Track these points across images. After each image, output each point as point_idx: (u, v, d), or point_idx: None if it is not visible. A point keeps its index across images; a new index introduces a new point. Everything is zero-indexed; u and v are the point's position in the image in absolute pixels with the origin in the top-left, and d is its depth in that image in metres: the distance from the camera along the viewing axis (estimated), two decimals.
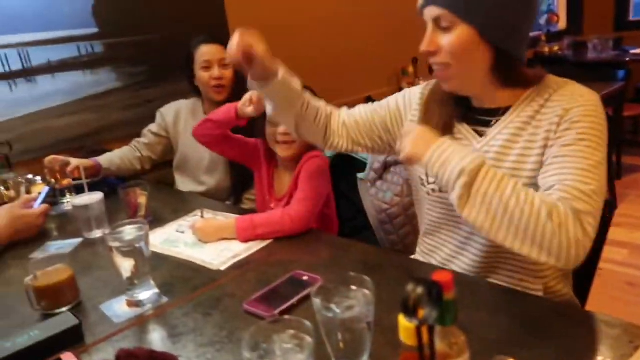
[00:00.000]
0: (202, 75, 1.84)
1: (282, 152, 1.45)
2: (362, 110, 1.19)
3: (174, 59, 2.21)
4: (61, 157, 1.64)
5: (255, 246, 1.22)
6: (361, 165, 1.65)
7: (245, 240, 1.24)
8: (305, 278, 1.00)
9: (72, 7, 1.93)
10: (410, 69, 3.40)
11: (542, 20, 5.25)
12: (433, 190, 1.05)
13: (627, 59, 3.82)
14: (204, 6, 2.31)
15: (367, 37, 3.16)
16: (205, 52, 1.84)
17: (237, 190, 1.89)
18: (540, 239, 0.80)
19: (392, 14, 3.29)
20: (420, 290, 0.53)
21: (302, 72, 2.81)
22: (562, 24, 5.45)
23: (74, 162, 1.65)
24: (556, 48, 4.53)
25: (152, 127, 1.97)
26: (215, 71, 1.83)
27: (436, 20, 0.92)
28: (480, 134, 1.00)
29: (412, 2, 3.27)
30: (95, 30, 2.00)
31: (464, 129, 1.02)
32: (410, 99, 1.15)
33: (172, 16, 2.21)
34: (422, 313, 0.55)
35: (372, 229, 1.59)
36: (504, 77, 0.93)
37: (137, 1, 2.10)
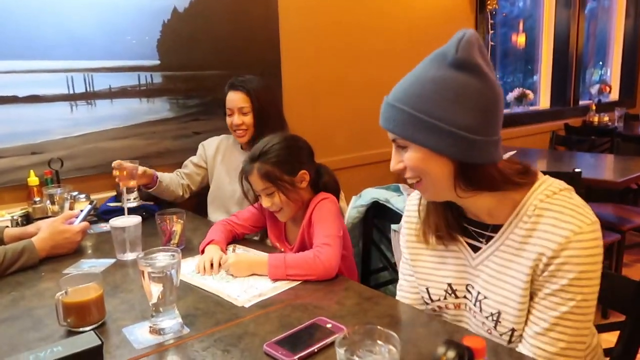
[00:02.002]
0: (226, 119, 1.97)
1: (282, 218, 1.51)
2: None
3: (225, 96, 2.31)
4: (129, 162, 1.72)
5: (282, 287, 1.21)
6: (396, 216, 1.63)
7: (276, 279, 1.24)
8: (329, 326, 0.98)
9: (139, 39, 2.06)
10: None
11: (594, 90, 5.18)
12: (439, 307, 1.06)
13: None
14: (260, 47, 2.41)
15: None
16: (229, 99, 1.97)
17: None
18: None
19: None
20: (451, 354, 0.51)
21: (349, 122, 2.89)
22: (614, 95, 5.36)
23: (141, 168, 1.77)
24: (606, 119, 4.44)
25: (194, 158, 2.08)
26: (235, 119, 1.94)
27: (394, 141, 0.93)
28: (475, 250, 0.98)
29: None
30: (157, 62, 2.11)
31: (460, 243, 1.00)
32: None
33: (230, 54, 2.32)
34: None
35: None
36: (471, 184, 0.89)
37: (197, 38, 2.21)
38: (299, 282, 1.23)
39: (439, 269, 1.04)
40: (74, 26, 1.91)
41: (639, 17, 5.24)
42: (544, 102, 4.61)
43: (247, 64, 2.36)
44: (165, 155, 2.17)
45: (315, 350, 0.90)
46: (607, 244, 2.56)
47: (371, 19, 2.90)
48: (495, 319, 0.93)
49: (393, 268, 1.65)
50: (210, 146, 2.08)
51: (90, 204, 1.63)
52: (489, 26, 3.66)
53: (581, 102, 4.85)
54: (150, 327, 1.00)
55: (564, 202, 0.88)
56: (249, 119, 1.93)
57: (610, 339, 1.08)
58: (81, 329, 0.99)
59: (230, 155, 2.05)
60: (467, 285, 0.99)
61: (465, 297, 1.00)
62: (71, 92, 1.93)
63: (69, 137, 1.94)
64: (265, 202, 1.44)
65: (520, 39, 4.62)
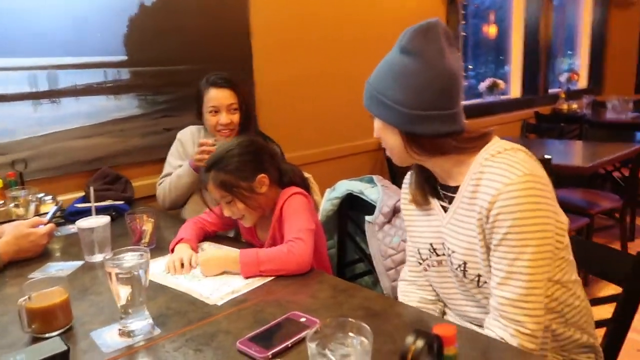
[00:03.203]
0: (208, 118, 1.87)
1: (246, 223, 1.47)
2: None
3: (195, 92, 2.27)
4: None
5: (255, 283, 1.19)
6: (370, 208, 1.63)
7: (248, 276, 1.22)
8: (302, 320, 0.97)
9: (104, 34, 2.00)
10: None
11: (563, 78, 5.29)
12: (428, 265, 1.14)
13: None
14: (231, 42, 2.37)
15: None
16: (214, 96, 1.86)
17: None
18: None
19: None
20: (420, 343, 0.51)
21: (323, 115, 2.90)
22: (582, 83, 5.48)
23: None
24: (575, 106, 4.54)
25: (173, 160, 1.97)
26: (223, 118, 1.86)
27: (369, 115, 1.08)
28: (445, 210, 1.08)
29: None
30: (124, 57, 2.06)
31: (435, 204, 1.11)
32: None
33: (199, 49, 2.27)
34: None
35: (376, 274, 1.56)
36: (420, 150, 1.02)
37: (166, 33, 2.16)
38: (272, 277, 1.22)
39: (424, 231, 1.14)
40: (37, 22, 1.84)
41: (605, 7, 5.36)
42: (515, 91, 4.69)
43: (217, 58, 2.32)
44: (134, 154, 2.12)
45: (290, 345, 0.89)
46: (576, 227, 2.62)
47: (342, 12, 2.88)
48: (462, 269, 1.03)
49: (368, 259, 1.65)
50: (187, 142, 1.98)
51: (56, 205, 1.58)
52: (460, 17, 3.69)
53: (551, 91, 4.95)
54: (120, 329, 0.97)
55: (505, 159, 0.95)
56: (237, 118, 1.88)
57: (609, 309, 1.13)
58: (47, 335, 0.96)
59: None
60: (442, 243, 1.08)
61: (443, 254, 1.09)
62: (34, 90, 1.86)
63: (33, 137, 1.87)
64: (226, 211, 1.41)
65: (491, 30, 4.68)
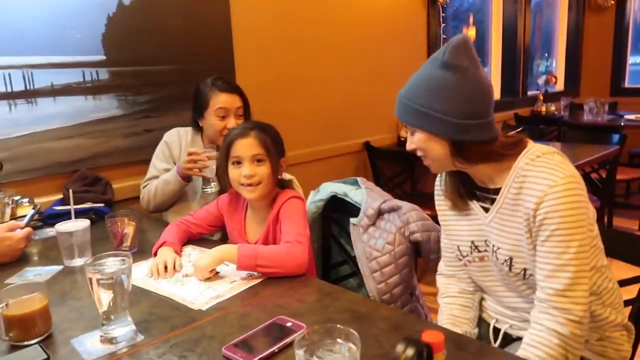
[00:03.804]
0: (215, 122, 1.84)
1: (247, 194, 1.41)
2: None
3: (177, 91, 2.24)
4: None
5: (240, 287, 1.18)
6: (354, 210, 1.63)
7: (244, 269, 1.22)
8: (289, 324, 0.96)
9: (82, 33, 1.95)
10: None
11: (541, 81, 5.38)
12: (468, 261, 1.22)
13: (622, 123, 3.88)
14: (212, 43, 2.35)
15: (372, 87, 3.22)
16: (223, 100, 1.84)
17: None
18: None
19: (396, 67, 3.37)
20: (410, 352, 0.51)
21: (307, 115, 2.89)
22: (559, 86, 5.59)
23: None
24: (553, 108, 4.62)
25: (158, 164, 1.92)
26: (232, 122, 1.84)
27: (406, 126, 1.15)
28: (486, 211, 1.15)
29: (415, 57, 3.42)
30: (102, 57, 2.02)
31: (474, 206, 1.19)
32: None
33: (180, 49, 2.24)
34: None
35: (361, 276, 1.56)
36: (465, 158, 1.09)
37: (145, 33, 2.13)
38: (258, 281, 1.21)
39: (463, 230, 1.22)
40: (12, 20, 1.79)
41: (580, 11, 5.48)
42: (494, 93, 4.74)
43: (198, 58, 2.30)
44: (115, 155, 2.09)
45: (276, 350, 0.88)
46: None
47: (324, 13, 2.88)
48: (508, 263, 1.11)
49: (353, 261, 1.65)
50: (174, 144, 1.94)
51: (33, 208, 1.54)
52: (440, 19, 3.72)
53: (529, 93, 5.03)
54: (101, 336, 0.95)
55: (544, 163, 1.04)
56: (242, 122, 1.86)
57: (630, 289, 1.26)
58: (25, 343, 0.93)
59: None
60: (485, 240, 1.17)
61: (485, 250, 1.17)
62: (9, 90, 1.81)
63: (9, 138, 1.82)
64: (251, 170, 1.37)
65: (470, 32, 4.73)
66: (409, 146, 1.15)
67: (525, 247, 1.06)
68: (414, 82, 1.10)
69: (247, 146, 1.38)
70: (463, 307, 1.24)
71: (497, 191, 1.11)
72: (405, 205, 1.57)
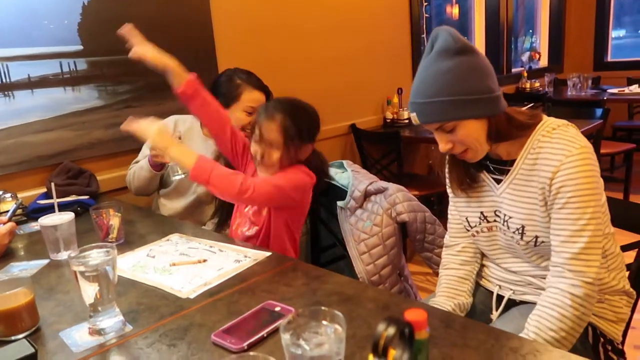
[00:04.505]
0: (242, 117, 1.84)
1: (260, 172, 1.45)
2: None
3: (158, 80, 2.20)
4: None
5: (228, 274, 1.18)
6: (342, 193, 1.64)
7: (194, 176, 1.29)
8: (277, 309, 0.97)
9: (57, 23, 1.91)
10: (395, 99, 3.43)
11: (525, 57, 5.39)
12: (477, 232, 1.25)
13: (605, 97, 3.91)
14: (192, 31, 2.31)
15: (356, 69, 3.20)
16: (256, 98, 1.86)
17: (222, 208, 1.84)
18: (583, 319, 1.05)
19: (379, 48, 3.34)
20: (391, 330, 0.51)
21: None
22: (543, 62, 5.60)
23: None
24: (537, 84, 4.64)
25: (145, 149, 1.91)
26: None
27: (439, 129, 1.11)
28: (498, 182, 1.19)
29: (398, 37, 3.40)
30: (79, 47, 1.98)
31: (485, 177, 1.22)
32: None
33: (159, 37, 2.20)
34: (392, 354, 0.53)
35: (350, 258, 1.57)
36: (499, 134, 1.11)
37: (122, 21, 2.08)
38: (246, 267, 1.21)
39: (472, 202, 1.25)
40: None
41: None
42: None
43: (178, 45, 2.26)
44: (98, 146, 2.06)
45: (265, 335, 0.89)
46: None
47: (307, 8, 2.84)
48: (520, 232, 1.14)
49: (342, 244, 1.66)
50: (177, 125, 1.95)
51: (16, 202, 1.52)
52: None
53: (514, 70, 5.04)
54: (90, 328, 0.95)
55: (560, 134, 1.08)
56: None
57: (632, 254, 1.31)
58: (13, 338, 0.93)
59: (189, 141, 1.92)
60: (495, 210, 1.21)
61: (495, 220, 1.21)
62: None
63: None
64: (258, 148, 1.41)
65: (454, 10, 4.71)
66: (446, 146, 1.13)
67: (539, 215, 1.10)
68: (435, 78, 1.07)
69: (267, 130, 1.39)
70: (461, 280, 1.28)
71: (511, 163, 1.15)
72: (392, 186, 1.58)
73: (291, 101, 1.44)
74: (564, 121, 1.12)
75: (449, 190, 1.33)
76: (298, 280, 1.14)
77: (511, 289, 1.24)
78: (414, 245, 1.56)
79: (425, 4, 3.76)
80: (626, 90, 4.20)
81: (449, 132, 1.10)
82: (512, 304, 1.23)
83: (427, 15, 3.80)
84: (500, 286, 1.27)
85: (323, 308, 0.69)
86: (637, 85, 4.30)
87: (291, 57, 2.79)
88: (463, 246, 1.31)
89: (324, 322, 0.68)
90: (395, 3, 3.50)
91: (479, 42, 4.78)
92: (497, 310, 1.24)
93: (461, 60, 1.06)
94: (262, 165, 1.42)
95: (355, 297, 1.04)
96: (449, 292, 1.26)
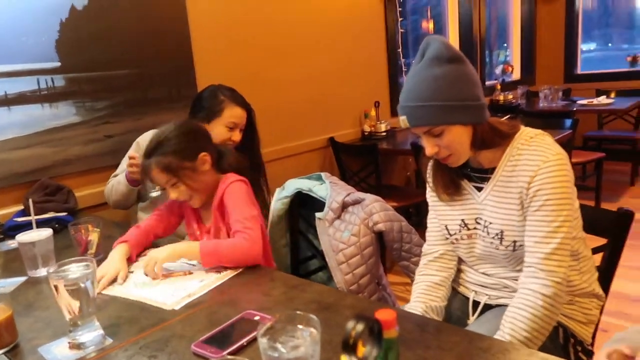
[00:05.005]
0: (223, 132, 1.88)
1: (196, 205, 1.49)
2: None
3: (137, 96, 2.22)
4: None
5: (211, 284, 1.19)
6: (320, 205, 1.67)
7: (210, 265, 1.27)
8: (257, 318, 0.99)
9: (35, 40, 1.92)
10: (373, 112, 3.50)
11: (498, 70, 5.54)
12: (456, 239, 1.29)
13: (575, 108, 4.05)
14: (171, 45, 2.34)
15: (334, 84, 3.27)
16: (238, 114, 1.91)
17: None
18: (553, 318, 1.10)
19: (357, 63, 3.42)
20: (360, 327, 0.54)
21: (270, 114, 2.91)
22: (516, 74, 5.77)
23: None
24: (510, 96, 4.77)
25: (124, 163, 1.91)
26: (237, 135, 1.91)
27: (427, 132, 1.15)
28: (479, 190, 1.24)
29: (375, 52, 3.47)
30: (57, 64, 1.98)
31: (466, 185, 1.26)
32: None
33: (137, 53, 2.22)
34: (363, 351, 0.56)
35: (329, 269, 1.60)
36: (482, 142, 1.17)
37: (100, 37, 2.10)
38: (227, 277, 1.23)
39: (454, 209, 1.29)
40: None
41: (533, 1, 5.66)
42: None
43: (157, 61, 2.28)
44: (76, 163, 2.05)
45: (245, 343, 0.90)
46: None
47: (285, 11, 2.90)
48: (500, 237, 1.19)
49: (321, 255, 1.69)
50: (144, 145, 1.94)
51: None
52: (398, 14, 3.79)
53: (488, 83, 5.18)
54: (69, 342, 0.95)
55: (537, 142, 1.14)
56: (240, 136, 1.94)
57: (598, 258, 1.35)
58: None
59: None
60: (476, 218, 1.25)
61: (475, 228, 1.25)
62: None
63: None
64: (173, 194, 1.42)
65: (430, 25, 4.83)
66: (432, 150, 1.16)
67: (518, 219, 1.15)
68: (426, 84, 1.11)
69: (156, 179, 1.42)
70: (436, 285, 1.31)
71: (492, 170, 1.20)
72: (369, 197, 1.62)
73: (154, 141, 1.42)
74: (540, 131, 1.19)
75: (430, 198, 1.36)
76: (277, 289, 1.16)
77: (487, 294, 1.28)
78: (391, 254, 1.60)
79: (401, 19, 3.86)
80: (595, 101, 4.35)
81: (436, 137, 1.15)
82: (487, 309, 1.27)
83: (402, 30, 3.89)
84: (476, 292, 1.30)
85: (299, 312, 0.71)
86: (605, 97, 4.46)
87: (270, 72, 2.83)
88: (441, 253, 1.35)
89: (300, 326, 0.70)
90: (371, 19, 3.59)
91: None
92: (473, 315, 1.28)
93: (452, 68, 1.11)
94: (191, 202, 1.46)
95: (334, 305, 1.06)
96: (423, 297, 1.29)
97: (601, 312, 1.29)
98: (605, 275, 1.33)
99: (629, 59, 5.31)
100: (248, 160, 1.60)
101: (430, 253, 1.36)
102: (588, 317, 1.23)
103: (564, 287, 1.10)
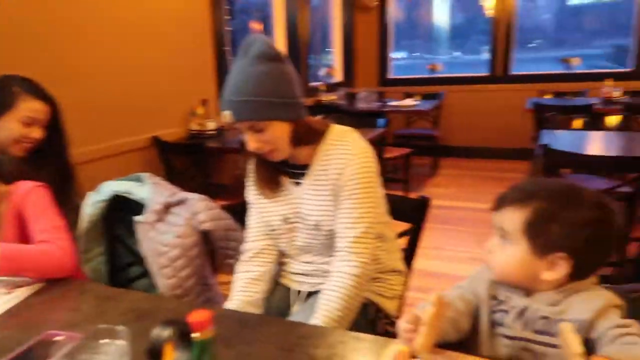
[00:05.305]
0: (16, 127, 1.59)
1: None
2: None
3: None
4: None
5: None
6: (140, 207, 1.56)
7: (5, 273, 1.10)
8: (60, 338, 0.87)
9: None
10: (200, 111, 3.41)
11: (322, 73, 5.89)
12: (278, 234, 1.35)
13: (387, 109, 4.52)
14: None
15: (157, 80, 3.08)
16: (36, 108, 1.62)
17: None
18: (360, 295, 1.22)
19: (181, 59, 3.29)
20: (166, 333, 0.51)
21: (82, 109, 2.63)
22: (339, 77, 6.20)
23: None
24: (334, 97, 5.11)
25: None
26: (37, 132, 1.63)
27: (251, 128, 1.18)
28: (298, 185, 1.30)
29: (201, 49, 3.39)
30: None
31: (286, 181, 1.32)
32: None
33: None
34: (173, 356, 0.53)
35: (151, 275, 1.50)
36: (300, 139, 1.23)
37: None
38: (19, 300, 1.06)
39: (275, 206, 1.33)
40: None
41: (351, 10, 6.13)
42: None
43: None
44: None
45: None
46: None
47: (101, 7, 2.63)
48: (317, 227, 1.27)
49: (142, 262, 1.57)
50: None
51: None
52: (224, 13, 3.76)
53: (313, 84, 5.47)
54: None
55: (347, 138, 1.25)
56: (43, 134, 1.66)
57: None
58: None
59: None
60: (296, 212, 1.30)
61: (296, 221, 1.31)
62: None
63: None
64: None
65: (258, 27, 4.90)
66: (255, 145, 1.19)
67: (332, 210, 1.24)
68: (250, 79, 1.14)
69: None
70: (254, 281, 1.33)
71: (308, 166, 1.27)
72: (194, 196, 1.56)
73: None
74: (349, 128, 1.30)
75: (251, 195, 1.39)
76: (87, 303, 1.05)
77: (309, 282, 1.34)
78: (217, 252, 1.57)
79: (228, 17, 3.83)
80: (403, 103, 4.92)
81: (259, 132, 1.18)
82: (311, 296, 1.33)
83: (229, 28, 3.87)
84: (299, 282, 1.36)
85: (103, 326, 0.65)
86: (412, 99, 5.07)
87: (81, 61, 2.55)
88: (261, 248, 1.37)
89: (105, 341, 0.64)
90: (195, 15, 3.49)
91: None
92: (297, 304, 1.33)
93: (275, 66, 1.15)
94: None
95: (153, 311, 1.00)
96: (240, 294, 1.30)
97: (407, 289, 1.45)
98: (410, 254, 1.51)
99: (428, 67, 6.13)
100: (53, 162, 1.41)
101: (250, 250, 1.39)
102: (393, 292, 1.37)
103: (370, 267, 1.23)
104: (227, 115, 1.17)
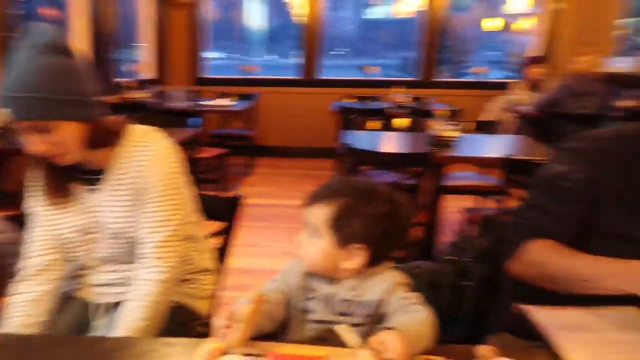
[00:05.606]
0: None
1: None
2: None
3: None
4: None
5: None
6: None
7: None
8: None
9: None
10: None
11: (132, 69, 5.49)
12: (73, 246, 1.21)
13: (203, 109, 4.44)
14: None
15: None
16: None
17: None
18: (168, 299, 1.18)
19: None
20: None
21: None
22: (151, 74, 5.84)
23: None
24: (143, 95, 4.79)
25: None
26: None
27: (36, 127, 1.03)
28: (93, 192, 1.18)
29: None
30: None
31: (79, 188, 1.19)
32: None
33: None
34: None
35: None
36: (96, 140, 1.12)
37: None
38: None
39: (66, 216, 1.19)
40: None
41: (165, 5, 5.81)
42: None
43: None
44: None
45: None
46: None
47: None
48: (119, 235, 1.18)
49: None
50: None
51: None
52: None
53: (119, 80, 5.05)
54: None
55: (149, 139, 1.18)
56: None
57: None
58: None
59: None
60: (93, 221, 1.19)
61: (95, 231, 1.19)
62: None
63: None
64: None
65: (51, 13, 4.34)
66: (40, 147, 1.05)
67: (134, 216, 1.16)
68: (31, 72, 1.00)
69: None
70: (35, 302, 1.17)
71: (105, 171, 1.17)
72: None
73: None
74: (151, 127, 1.22)
75: (34, 206, 1.21)
76: None
77: (112, 293, 1.24)
78: (2, 271, 1.35)
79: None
80: (219, 102, 4.89)
81: (45, 133, 1.03)
82: (113, 307, 1.23)
83: (21, 12, 3.33)
84: (100, 293, 1.25)
85: None
86: (228, 99, 5.05)
87: None
88: (45, 265, 1.21)
89: None
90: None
91: (84, 50, 4.54)
92: (100, 318, 1.21)
93: (65, 60, 1.04)
94: None
95: None
96: (19, 319, 1.14)
97: (221, 288, 1.44)
98: (224, 253, 1.50)
99: (243, 68, 6.22)
100: None
101: (31, 266, 1.21)
102: (205, 292, 1.35)
103: (178, 271, 1.18)
104: (6, 114, 1.01)
